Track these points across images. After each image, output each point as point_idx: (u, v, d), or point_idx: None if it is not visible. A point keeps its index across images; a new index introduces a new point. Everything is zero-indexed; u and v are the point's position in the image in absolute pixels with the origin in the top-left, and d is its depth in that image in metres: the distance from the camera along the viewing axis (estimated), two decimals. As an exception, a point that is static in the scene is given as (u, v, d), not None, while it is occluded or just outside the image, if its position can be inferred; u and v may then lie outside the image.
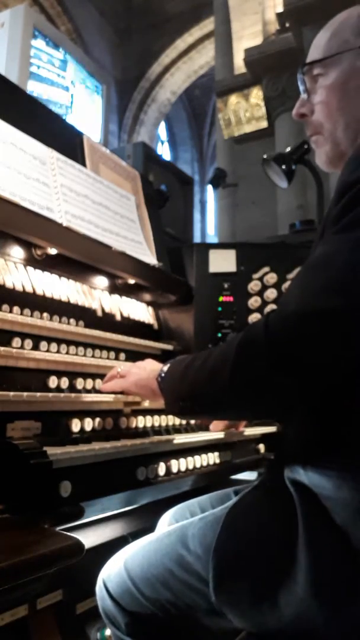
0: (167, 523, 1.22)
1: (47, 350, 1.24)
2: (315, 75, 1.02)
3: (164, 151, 16.95)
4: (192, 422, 1.34)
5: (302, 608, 0.76)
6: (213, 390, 0.84)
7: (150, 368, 1.08)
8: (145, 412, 1.31)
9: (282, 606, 0.78)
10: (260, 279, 1.81)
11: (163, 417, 1.34)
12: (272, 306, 1.78)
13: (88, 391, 1.22)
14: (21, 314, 1.28)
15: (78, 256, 1.51)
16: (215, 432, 1.33)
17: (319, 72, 1.01)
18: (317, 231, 0.91)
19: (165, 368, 0.99)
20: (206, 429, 1.33)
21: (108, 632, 1.31)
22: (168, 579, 0.91)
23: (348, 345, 0.72)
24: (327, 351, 0.73)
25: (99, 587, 1.01)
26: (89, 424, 1.11)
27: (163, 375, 0.99)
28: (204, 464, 1.24)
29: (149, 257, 1.85)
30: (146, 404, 1.29)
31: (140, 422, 1.25)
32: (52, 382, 1.15)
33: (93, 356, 1.41)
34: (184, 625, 0.92)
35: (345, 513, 0.78)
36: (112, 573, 1.00)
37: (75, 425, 1.08)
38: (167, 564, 0.92)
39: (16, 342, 1.16)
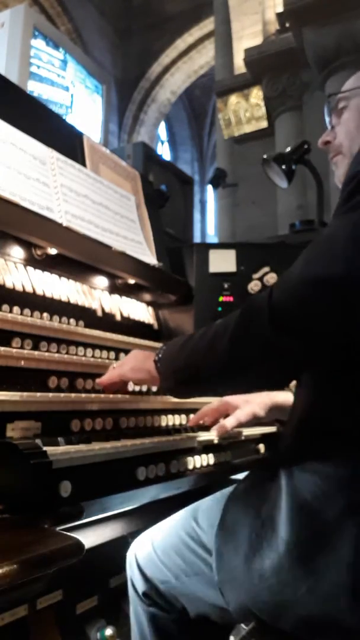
0: None
1: (47, 350, 1.24)
2: (340, 109, 1.13)
3: (164, 151, 16.95)
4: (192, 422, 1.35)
5: (288, 576, 0.81)
6: (212, 359, 0.89)
7: (144, 354, 1.14)
8: (146, 412, 1.31)
9: (270, 576, 0.83)
10: (260, 279, 1.81)
11: (163, 417, 1.34)
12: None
13: (88, 391, 1.22)
14: (21, 314, 1.28)
15: (78, 256, 1.51)
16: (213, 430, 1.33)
17: (343, 105, 1.12)
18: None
19: (162, 350, 1.04)
20: (206, 429, 1.33)
21: (108, 632, 1.31)
22: (181, 547, 1.04)
23: (348, 311, 0.77)
24: (328, 315, 0.78)
25: (129, 554, 1.15)
26: (89, 424, 1.11)
27: (160, 355, 1.04)
28: (204, 464, 1.24)
29: (149, 257, 1.85)
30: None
31: (141, 422, 1.25)
32: (52, 382, 1.15)
33: (93, 356, 1.41)
34: (191, 591, 1.03)
35: (327, 485, 0.83)
36: (142, 546, 1.13)
37: (75, 426, 1.08)
38: (181, 535, 1.05)
39: (16, 342, 1.16)
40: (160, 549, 1.08)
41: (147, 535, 1.15)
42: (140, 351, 1.17)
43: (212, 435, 1.29)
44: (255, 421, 1.33)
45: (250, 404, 1.30)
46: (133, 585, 1.13)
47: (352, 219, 0.81)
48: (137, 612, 1.12)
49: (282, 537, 0.83)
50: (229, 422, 1.29)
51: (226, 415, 1.30)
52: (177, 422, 1.36)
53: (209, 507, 1.05)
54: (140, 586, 1.10)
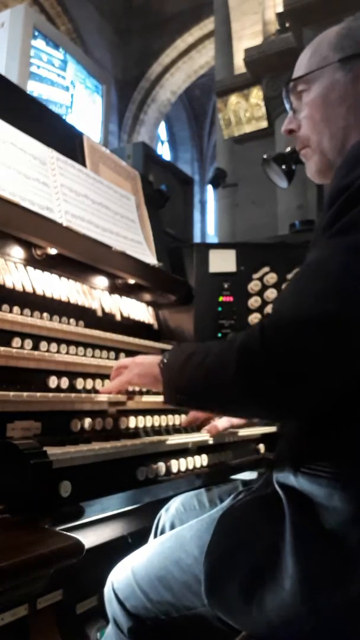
0: (174, 509, 1.23)
1: (47, 350, 1.24)
2: (299, 92, 1.06)
3: (164, 151, 16.95)
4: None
5: (290, 614, 0.76)
6: (211, 391, 0.86)
7: (149, 359, 1.10)
8: (146, 412, 1.31)
9: (270, 611, 0.78)
10: (260, 279, 1.81)
11: (163, 417, 1.34)
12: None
13: (88, 391, 1.22)
14: (21, 314, 1.28)
15: (78, 256, 1.51)
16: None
17: (302, 89, 1.05)
18: (311, 241, 0.92)
19: (166, 357, 1.00)
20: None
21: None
22: (169, 580, 0.92)
23: (346, 351, 0.71)
24: (325, 360, 0.72)
25: (107, 589, 1.03)
26: (89, 424, 1.11)
27: (164, 362, 0.99)
28: (204, 464, 1.24)
29: (149, 257, 1.85)
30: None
31: (140, 422, 1.25)
32: (52, 382, 1.15)
33: (93, 356, 1.41)
34: (185, 628, 0.93)
35: (334, 521, 0.77)
36: (120, 575, 1.01)
37: (75, 425, 1.08)
38: (168, 566, 0.93)
39: (16, 342, 1.16)
40: (145, 582, 0.96)
41: (124, 567, 1.02)
42: (145, 357, 1.13)
43: (208, 436, 1.29)
44: (249, 421, 1.33)
45: None
46: (116, 624, 1.00)
47: (343, 244, 0.75)
48: None
49: (287, 570, 0.77)
50: (221, 424, 1.29)
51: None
52: (178, 423, 1.36)
53: (198, 533, 0.94)
54: (125, 623, 0.97)
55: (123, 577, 1.00)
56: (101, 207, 1.73)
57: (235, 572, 0.83)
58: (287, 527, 0.79)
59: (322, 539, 0.77)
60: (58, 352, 1.27)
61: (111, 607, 1.01)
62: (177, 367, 0.93)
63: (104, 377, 1.29)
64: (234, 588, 0.82)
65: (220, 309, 1.80)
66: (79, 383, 1.21)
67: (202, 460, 1.24)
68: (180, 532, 0.98)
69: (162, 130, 16.16)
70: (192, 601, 0.89)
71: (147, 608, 0.94)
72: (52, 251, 1.43)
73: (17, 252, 1.37)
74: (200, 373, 0.86)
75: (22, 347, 1.17)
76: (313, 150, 1.05)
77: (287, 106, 1.09)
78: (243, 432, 1.43)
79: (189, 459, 1.19)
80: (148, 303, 1.90)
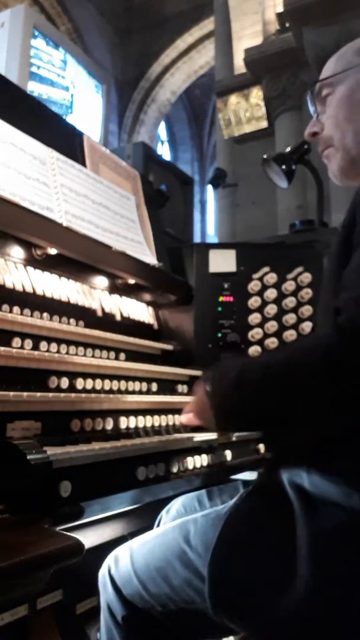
0: (175, 510, 1.22)
1: (47, 350, 1.23)
2: (324, 97, 1.08)
3: (164, 151, 16.94)
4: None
5: (305, 619, 0.74)
6: (290, 402, 0.78)
7: (203, 402, 0.98)
8: (146, 412, 1.31)
9: (284, 617, 0.75)
10: (260, 279, 1.81)
11: (163, 417, 1.34)
12: (272, 306, 1.78)
13: (88, 391, 1.22)
14: (21, 314, 1.28)
15: (78, 256, 1.51)
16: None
17: (327, 92, 1.07)
18: (333, 247, 0.91)
19: (210, 384, 0.92)
20: (205, 429, 1.33)
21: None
22: (169, 573, 0.90)
23: None
24: None
25: (102, 573, 1.00)
26: (89, 424, 1.11)
27: (210, 390, 0.92)
28: (204, 464, 1.24)
29: (149, 257, 1.85)
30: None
31: (141, 422, 1.25)
32: (52, 382, 1.15)
33: (93, 356, 1.41)
34: (181, 621, 0.91)
35: (352, 522, 0.75)
36: (118, 561, 0.99)
37: (75, 425, 1.08)
38: (170, 558, 0.91)
39: (16, 342, 1.16)
40: (143, 572, 0.93)
41: (125, 553, 0.99)
42: (200, 396, 0.99)
43: (211, 436, 1.29)
44: None
45: None
46: (109, 610, 0.97)
47: None
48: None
49: (302, 574, 0.74)
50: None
51: None
52: (177, 423, 1.36)
53: (202, 528, 0.91)
54: (119, 610, 0.94)
55: (121, 563, 0.98)
56: (101, 207, 1.73)
57: (244, 580, 0.81)
58: (299, 528, 0.77)
59: (339, 540, 0.75)
60: (58, 352, 1.27)
61: (105, 592, 0.98)
62: (229, 387, 0.87)
63: (104, 377, 1.29)
64: (244, 595, 0.80)
65: (220, 309, 1.80)
66: (79, 383, 1.21)
67: (202, 460, 1.24)
68: (185, 523, 0.96)
69: (162, 130, 16.15)
70: (191, 596, 0.87)
71: (144, 598, 0.92)
72: (52, 251, 1.43)
73: (17, 252, 1.37)
74: (269, 394, 0.79)
75: (22, 347, 1.17)
76: (336, 148, 1.06)
77: (312, 109, 1.11)
78: (244, 432, 1.43)
79: (189, 458, 1.19)
80: (148, 303, 1.90)
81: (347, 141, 1.03)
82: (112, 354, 1.49)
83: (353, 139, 1.02)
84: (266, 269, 1.81)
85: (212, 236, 17.54)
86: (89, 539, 1.18)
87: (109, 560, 1.01)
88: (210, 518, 0.92)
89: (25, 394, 0.98)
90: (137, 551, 0.97)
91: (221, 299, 1.81)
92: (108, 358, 1.47)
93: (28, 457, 0.79)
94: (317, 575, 0.73)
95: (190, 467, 1.19)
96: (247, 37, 6.24)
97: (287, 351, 0.84)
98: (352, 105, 1.02)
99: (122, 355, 1.53)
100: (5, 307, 1.24)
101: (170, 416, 1.35)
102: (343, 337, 0.73)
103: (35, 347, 1.21)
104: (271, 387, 0.79)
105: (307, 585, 0.73)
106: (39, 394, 1.01)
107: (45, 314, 1.36)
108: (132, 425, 1.22)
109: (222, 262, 1.83)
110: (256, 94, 6.11)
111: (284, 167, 2.35)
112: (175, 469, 1.13)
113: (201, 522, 0.93)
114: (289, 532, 0.78)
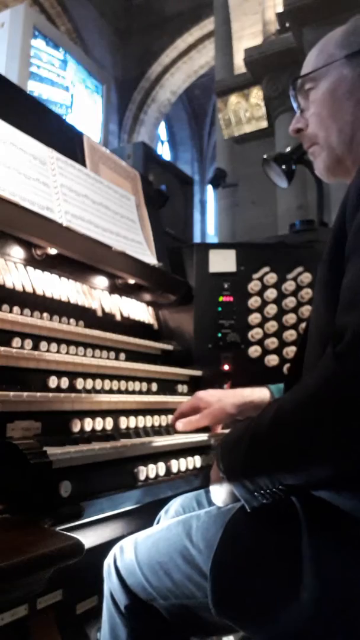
0: (174, 510, 1.22)
1: (47, 350, 1.24)
2: (307, 91, 1.06)
3: (164, 151, 16.95)
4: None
5: (308, 628, 0.73)
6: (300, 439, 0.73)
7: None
8: (146, 412, 1.31)
9: (286, 624, 0.75)
10: (260, 279, 1.81)
11: (163, 417, 1.34)
12: (272, 306, 1.78)
13: (88, 391, 1.22)
14: (21, 314, 1.28)
15: (78, 256, 1.51)
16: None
17: (309, 87, 1.05)
18: (325, 255, 0.89)
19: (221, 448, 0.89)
20: (205, 429, 1.33)
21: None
22: (171, 568, 0.91)
23: None
24: None
25: (108, 562, 1.02)
26: (88, 424, 1.11)
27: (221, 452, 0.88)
28: (204, 464, 1.24)
29: (149, 257, 1.85)
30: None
31: (140, 422, 1.25)
32: (52, 382, 1.15)
33: (93, 356, 1.41)
34: (182, 614, 0.92)
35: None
36: (123, 552, 1.01)
37: (75, 425, 1.08)
38: (172, 553, 0.92)
39: (16, 342, 1.16)
40: (146, 566, 0.95)
41: (130, 545, 1.01)
42: (215, 469, 0.97)
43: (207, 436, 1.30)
44: (228, 420, 1.32)
45: (221, 403, 1.27)
46: (113, 598, 0.98)
47: None
48: (114, 629, 0.98)
49: (305, 582, 0.73)
50: (195, 418, 1.26)
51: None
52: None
53: (205, 524, 0.91)
54: (123, 599, 0.96)
55: (126, 554, 0.99)
56: (101, 207, 1.73)
57: (247, 585, 0.80)
58: (303, 536, 0.76)
59: (345, 551, 0.74)
60: (58, 352, 1.27)
61: (110, 580, 0.99)
62: (233, 443, 0.85)
63: (104, 377, 1.29)
64: (246, 600, 0.79)
65: (220, 309, 1.80)
66: (79, 383, 1.21)
67: (202, 460, 1.24)
68: (188, 519, 0.96)
69: (162, 130, 16.17)
70: (192, 591, 0.88)
71: (146, 590, 0.94)
72: (52, 251, 1.43)
73: (17, 252, 1.37)
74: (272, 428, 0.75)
75: (22, 347, 1.17)
76: (321, 146, 1.04)
77: (295, 105, 1.09)
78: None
79: (189, 459, 1.19)
80: (148, 303, 1.90)
81: (332, 139, 1.01)
82: (112, 354, 1.50)
83: (337, 138, 1.01)
84: (266, 269, 1.81)
85: (212, 236, 17.55)
86: (89, 539, 1.18)
87: (114, 550, 1.03)
88: (213, 515, 0.92)
89: (25, 394, 0.98)
90: (142, 544, 0.99)
91: (221, 299, 1.81)
92: (108, 358, 1.47)
93: (28, 457, 0.79)
94: (321, 580, 0.73)
95: (190, 467, 1.19)
96: (247, 37, 6.25)
97: (291, 402, 0.75)
98: (335, 102, 1.00)
99: (122, 355, 1.53)
100: (5, 307, 1.25)
101: (170, 416, 1.35)
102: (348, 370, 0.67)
103: (35, 347, 1.21)
104: (287, 453, 0.74)
105: (310, 590, 0.73)
106: (39, 394, 1.01)
107: (45, 314, 1.37)
108: (132, 425, 1.22)
109: (222, 262, 1.83)
110: (256, 94, 6.11)
111: (284, 167, 2.35)
112: (175, 469, 1.13)
113: (203, 518, 0.93)
114: (294, 535, 0.77)
